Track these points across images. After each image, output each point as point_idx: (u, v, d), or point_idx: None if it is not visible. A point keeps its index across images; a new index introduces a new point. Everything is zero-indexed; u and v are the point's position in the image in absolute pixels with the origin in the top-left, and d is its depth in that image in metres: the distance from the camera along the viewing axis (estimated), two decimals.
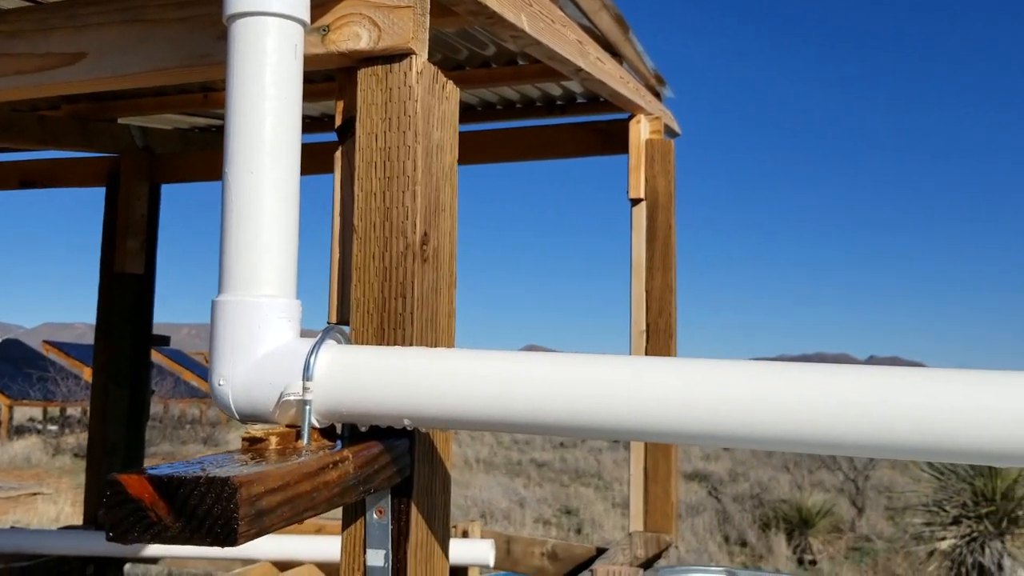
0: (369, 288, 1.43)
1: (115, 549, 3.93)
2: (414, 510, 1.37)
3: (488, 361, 1.18)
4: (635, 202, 3.81)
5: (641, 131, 3.79)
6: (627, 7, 3.39)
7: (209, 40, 1.55)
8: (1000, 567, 6.11)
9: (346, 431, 1.31)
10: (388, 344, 1.40)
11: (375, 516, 1.36)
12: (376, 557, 1.35)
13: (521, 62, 3.81)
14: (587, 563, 3.54)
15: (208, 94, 4.01)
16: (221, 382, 1.26)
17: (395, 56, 1.46)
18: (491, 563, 3.49)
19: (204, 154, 4.72)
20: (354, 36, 1.47)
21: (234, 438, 19.75)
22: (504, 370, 1.17)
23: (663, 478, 3.54)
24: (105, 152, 4.59)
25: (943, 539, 6.32)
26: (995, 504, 6.30)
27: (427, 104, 1.47)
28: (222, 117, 4.76)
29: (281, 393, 1.23)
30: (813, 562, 8.25)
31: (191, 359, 27.23)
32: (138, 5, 1.62)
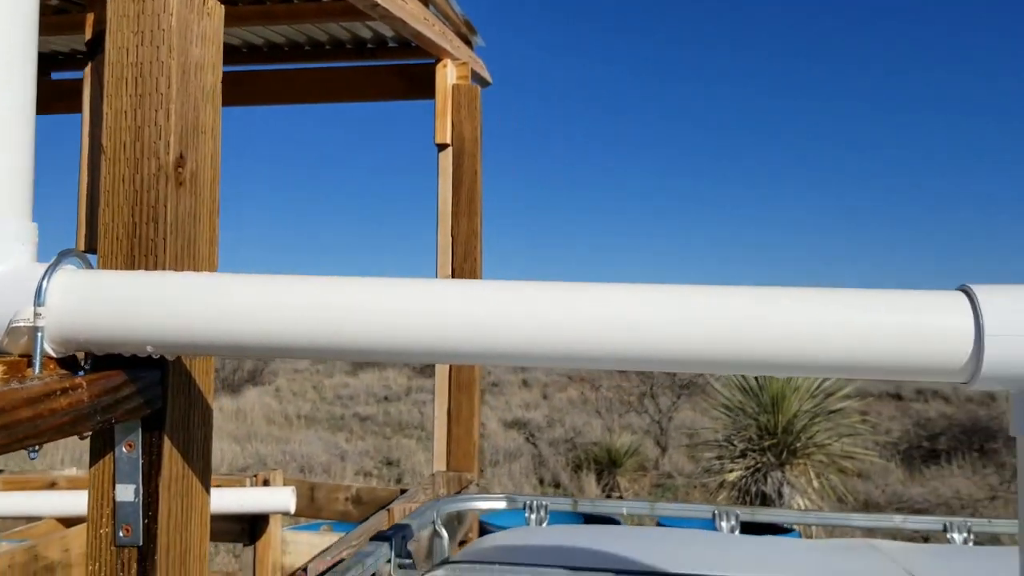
0: (119, 212, 1.35)
1: None
2: (167, 443, 1.32)
3: (232, 283, 1.15)
4: (441, 147, 3.81)
5: (448, 76, 3.78)
6: None
7: None
8: (780, 494, 6.72)
9: (89, 362, 1.24)
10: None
11: (124, 450, 1.31)
12: (126, 492, 1.30)
13: None
14: (390, 504, 3.57)
15: None
16: None
17: None
18: (291, 509, 3.46)
19: None
20: None
21: None
22: (250, 293, 1.14)
23: (465, 419, 3.61)
24: None
25: (731, 471, 6.88)
26: (777, 437, 6.91)
27: (184, 18, 1.39)
28: None
29: (10, 320, 1.15)
30: (620, 497, 8.75)
31: None
32: None
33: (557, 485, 9.54)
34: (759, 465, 6.84)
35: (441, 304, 1.15)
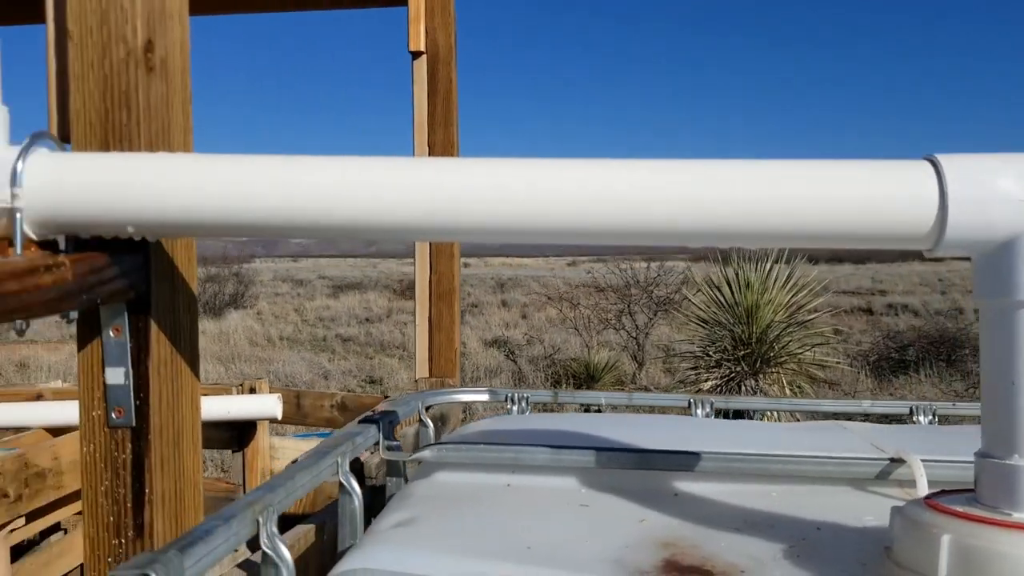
0: (90, 98, 1.34)
1: None
2: (154, 327, 1.35)
3: (211, 162, 1.16)
4: (416, 55, 3.76)
5: None
6: None
7: None
8: None
9: (71, 245, 1.24)
10: None
11: (112, 334, 1.33)
12: (116, 375, 1.33)
13: None
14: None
15: None
16: None
17: None
18: (278, 415, 3.52)
19: None
20: None
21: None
22: (230, 170, 1.15)
23: (447, 326, 3.66)
24: None
25: (707, 380, 7.04)
26: (751, 347, 7.05)
27: None
28: None
29: None
30: (598, 410, 8.98)
31: None
32: None
33: None
34: (733, 374, 6.99)
35: (421, 177, 1.16)
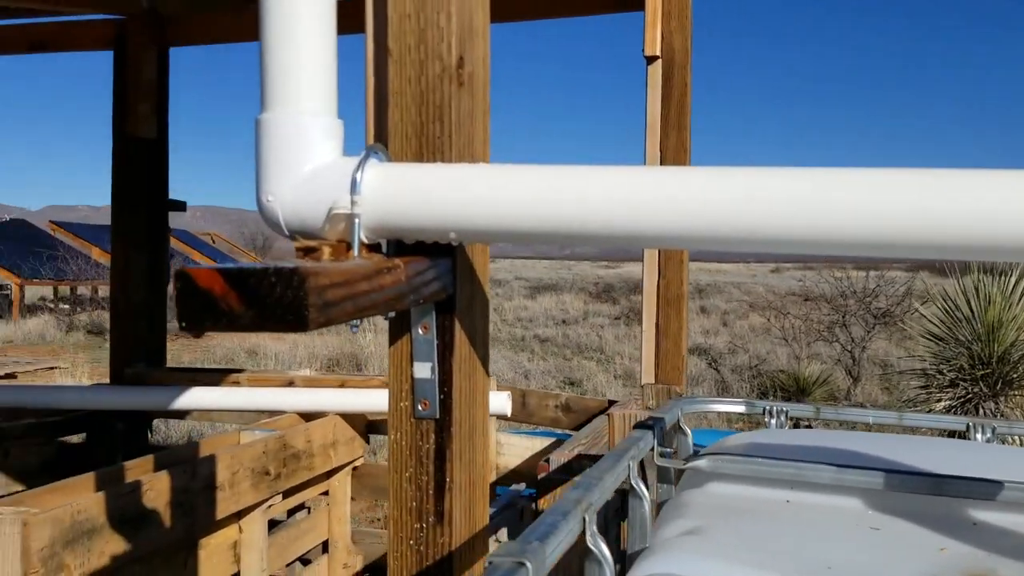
0: (406, 112, 1.44)
1: (142, 403, 4.08)
2: (457, 326, 1.43)
3: (535, 173, 1.22)
4: (650, 60, 3.76)
5: None
6: None
7: None
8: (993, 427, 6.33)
9: (392, 248, 1.35)
10: None
11: (420, 332, 1.43)
12: (423, 369, 1.42)
13: None
14: (600, 413, 3.68)
15: None
16: (269, 198, 1.30)
17: None
18: (508, 412, 3.63)
19: (212, 16, 4.63)
20: None
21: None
22: (551, 181, 1.20)
23: (674, 333, 3.63)
24: (112, 13, 4.50)
25: (939, 401, 6.54)
26: (991, 367, 6.48)
27: None
28: None
29: (330, 208, 1.27)
30: (809, 426, 8.56)
31: (199, 239, 27.34)
32: None
33: None
34: (970, 396, 6.45)
35: (696, 187, 1.16)
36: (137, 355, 4.46)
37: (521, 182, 1.21)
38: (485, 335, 1.54)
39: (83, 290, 22.05)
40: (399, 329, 1.44)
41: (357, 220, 1.26)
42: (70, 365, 13.76)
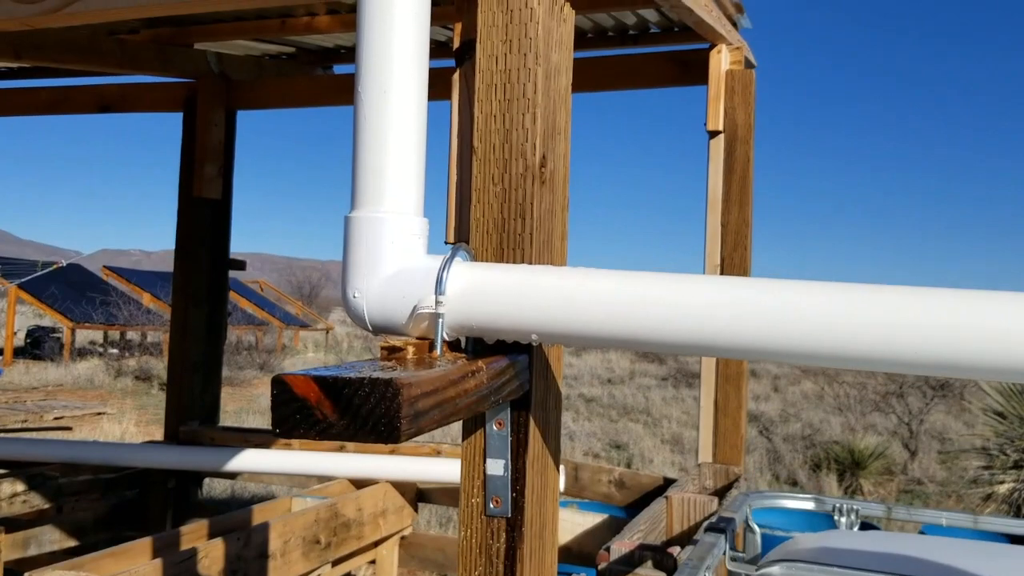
0: (489, 209, 1.45)
1: (195, 463, 4.12)
2: (531, 423, 1.42)
3: (619, 280, 1.21)
4: (713, 134, 3.77)
5: (722, 61, 3.73)
6: None
7: None
8: None
9: (471, 345, 1.35)
10: (507, 263, 1.44)
11: (495, 428, 1.42)
12: (496, 466, 1.41)
13: None
14: (655, 492, 3.61)
15: (286, 20, 4.02)
16: (356, 295, 1.31)
17: None
18: (561, 487, 3.58)
19: (279, 81, 4.77)
20: None
21: (289, 365, 20.23)
22: (634, 288, 1.20)
23: (733, 411, 3.57)
24: (182, 77, 4.66)
25: (1002, 482, 6.30)
26: None
27: (547, 26, 1.48)
28: (295, 45, 4.79)
29: (415, 306, 1.28)
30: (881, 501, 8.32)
31: (248, 288, 27.81)
32: None
33: (794, 483, 9.20)
34: None
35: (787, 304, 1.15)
36: (192, 412, 4.51)
37: (603, 289, 1.21)
38: (558, 430, 1.53)
39: (132, 335, 22.48)
40: (473, 424, 1.43)
41: (441, 320, 1.27)
42: (117, 411, 13.96)
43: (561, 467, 3.68)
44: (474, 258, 1.42)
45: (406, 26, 1.33)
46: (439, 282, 1.27)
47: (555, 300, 1.23)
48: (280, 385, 1.02)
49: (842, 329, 1.13)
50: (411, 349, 1.24)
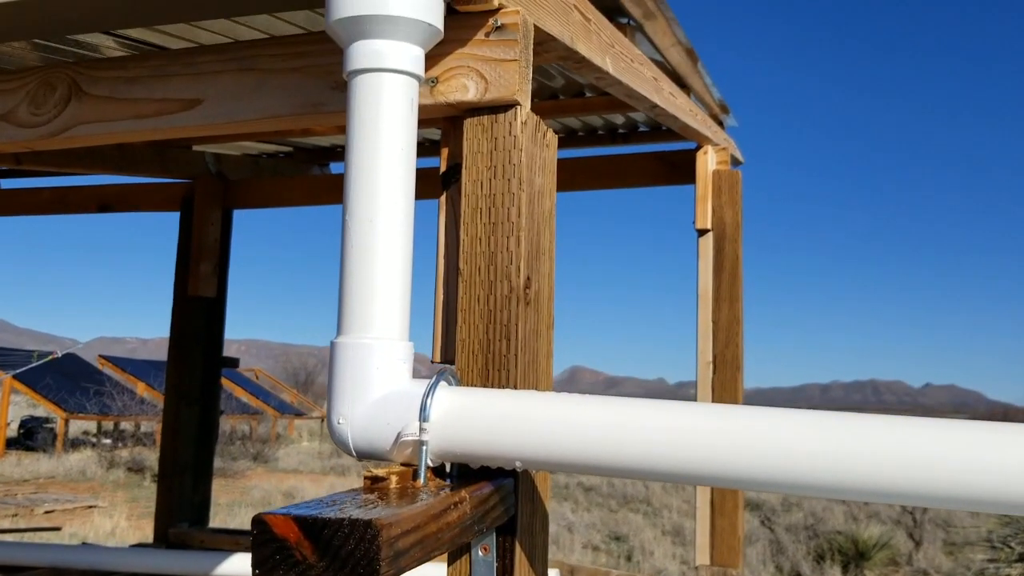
0: (474, 329, 1.47)
1: (185, 568, 4.03)
2: (518, 548, 1.41)
3: (603, 409, 1.22)
4: (701, 232, 3.83)
5: (708, 162, 3.81)
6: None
7: (323, 90, 1.62)
8: None
9: (455, 470, 1.35)
10: (492, 384, 1.45)
11: (480, 554, 1.40)
12: None
13: (588, 94, 3.87)
14: None
15: None
16: (340, 421, 1.32)
17: (500, 107, 1.51)
18: None
19: (275, 181, 4.86)
20: (462, 88, 1.53)
21: (283, 455, 19.98)
22: (618, 418, 1.21)
23: (730, 511, 3.53)
24: (180, 178, 4.75)
25: (1008, 575, 6.17)
26: None
27: (531, 152, 1.52)
28: (292, 144, 4.89)
29: (399, 433, 1.28)
30: None
31: (242, 376, 27.65)
32: (252, 55, 1.70)
33: (798, 575, 9.01)
34: None
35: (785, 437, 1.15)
36: (182, 513, 4.44)
37: (588, 417, 1.22)
38: (545, 553, 1.51)
39: (126, 425, 22.26)
40: (458, 550, 1.42)
41: (424, 448, 1.27)
42: (108, 504, 13.72)
43: (557, 572, 3.62)
44: (459, 381, 1.43)
45: (392, 158, 1.38)
46: (423, 408, 1.28)
47: (539, 428, 1.24)
48: (260, 525, 1.01)
49: (833, 462, 1.14)
50: (394, 479, 1.24)
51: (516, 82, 1.49)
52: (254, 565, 1.01)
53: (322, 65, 1.63)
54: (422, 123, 1.46)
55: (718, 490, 3.54)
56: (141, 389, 22.95)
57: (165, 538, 4.33)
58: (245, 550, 3.89)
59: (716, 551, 3.46)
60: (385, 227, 1.35)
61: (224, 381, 25.43)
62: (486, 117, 1.52)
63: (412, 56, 1.38)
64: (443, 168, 1.62)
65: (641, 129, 4.36)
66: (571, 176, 4.34)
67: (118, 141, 1.83)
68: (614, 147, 4.47)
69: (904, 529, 10.19)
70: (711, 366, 3.65)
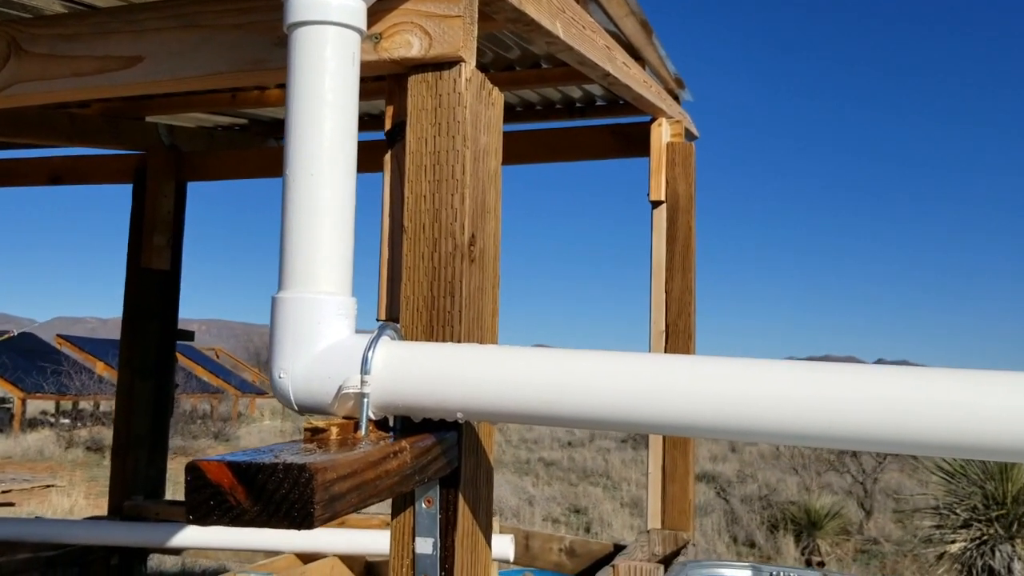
0: (419, 287, 1.48)
1: (139, 539, 4.01)
2: (461, 500, 1.43)
3: (540, 358, 1.24)
4: (656, 204, 3.86)
5: (662, 134, 3.84)
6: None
7: (265, 46, 1.61)
8: (1010, 570, 6.13)
9: (398, 423, 1.36)
10: (436, 340, 1.46)
11: (424, 506, 1.42)
12: (425, 545, 1.41)
13: (545, 65, 3.86)
14: (605, 559, 3.59)
15: (236, 94, 4.07)
16: (281, 375, 1.32)
17: (445, 63, 1.51)
18: (511, 557, 3.54)
19: (230, 153, 4.79)
20: (406, 44, 1.52)
21: (244, 433, 19.84)
22: (557, 366, 1.22)
23: (681, 477, 3.59)
24: (133, 149, 4.66)
25: (953, 542, 6.36)
26: (1006, 508, 6.33)
27: (475, 110, 1.53)
28: (247, 116, 4.83)
29: (340, 386, 1.29)
30: (821, 563, 8.30)
31: (203, 355, 27.37)
32: (195, 11, 1.68)
33: (752, 544, 9.18)
34: (985, 537, 6.28)
35: (711, 381, 1.18)
36: (137, 487, 4.41)
37: (528, 366, 1.23)
38: (489, 506, 1.53)
39: (84, 404, 21.94)
40: (402, 502, 1.44)
41: (366, 400, 1.28)
42: (67, 483, 13.54)
43: (511, 537, 3.65)
44: (402, 336, 1.44)
45: (335, 111, 1.37)
46: (364, 361, 1.29)
47: (480, 378, 1.25)
48: (194, 471, 1.02)
49: (764, 406, 1.16)
50: (335, 430, 1.24)
51: (460, 38, 1.49)
52: (188, 511, 1.02)
53: (265, 21, 1.62)
54: (365, 94, 1.46)
55: (670, 456, 3.60)
56: (100, 368, 22.60)
57: (120, 511, 4.29)
58: None
59: (667, 515, 3.52)
60: (328, 181, 1.35)
61: (185, 360, 25.16)
62: (431, 74, 1.52)
63: (353, 9, 1.38)
64: (388, 126, 1.62)
65: (598, 103, 4.37)
66: (529, 148, 4.34)
67: (59, 100, 1.80)
68: (571, 120, 4.48)
69: (855, 499, 10.44)
70: (664, 336, 3.70)
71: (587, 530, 10.33)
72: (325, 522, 1.00)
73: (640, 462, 15.85)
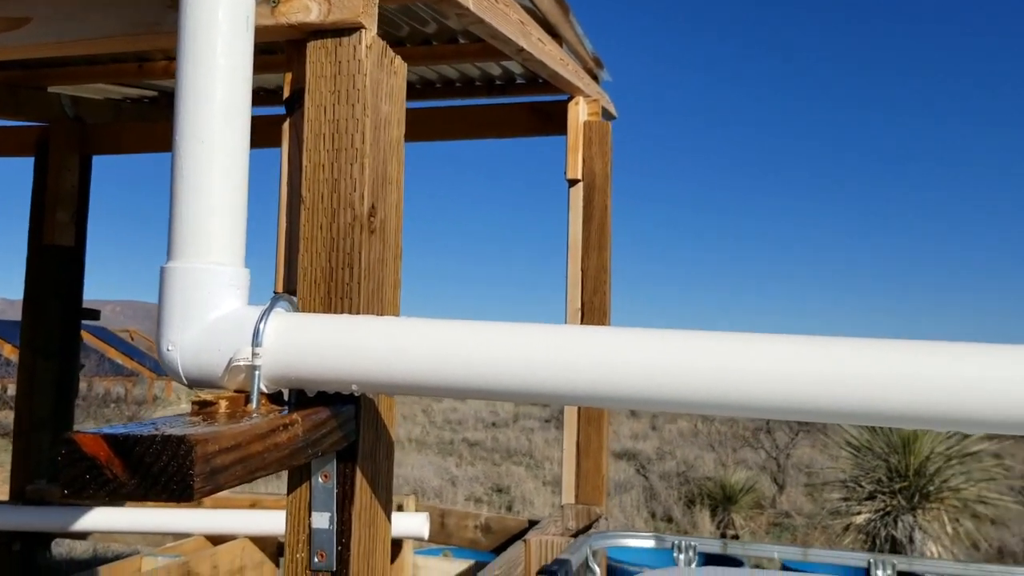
0: (316, 258, 1.46)
1: (42, 524, 3.87)
2: (359, 474, 1.41)
3: (435, 329, 1.23)
4: (572, 183, 3.87)
5: (580, 113, 3.85)
6: None
7: (159, 8, 1.55)
8: (911, 540, 6.43)
9: (293, 396, 1.34)
10: (335, 313, 1.44)
11: (320, 480, 1.40)
12: (321, 520, 1.39)
13: (462, 40, 3.83)
14: (520, 534, 3.62)
15: (143, 64, 3.92)
16: (170, 347, 1.28)
17: (345, 30, 1.48)
18: (426, 535, 3.54)
19: (137, 126, 4.63)
20: (304, 8, 1.49)
21: (160, 416, 19.33)
22: (451, 337, 1.22)
23: (594, 452, 3.63)
24: (34, 121, 4.46)
25: (859, 513, 6.63)
26: (908, 480, 6.62)
27: (376, 78, 1.50)
28: (155, 88, 4.66)
29: (230, 359, 1.26)
30: (736, 536, 8.56)
31: (116, 336, 26.51)
32: None
33: (669, 519, 9.40)
34: (889, 508, 6.57)
35: (615, 352, 1.19)
36: (40, 470, 4.25)
37: (424, 337, 1.22)
38: (389, 481, 1.52)
39: None
40: (299, 477, 1.41)
41: (257, 372, 1.25)
42: None
43: (426, 515, 3.65)
44: (298, 308, 1.42)
45: (228, 74, 1.33)
46: (256, 333, 1.26)
47: (371, 349, 1.24)
48: (68, 444, 0.98)
49: (654, 373, 1.18)
50: (224, 403, 1.21)
51: (360, 4, 1.46)
52: (63, 485, 0.98)
53: None
54: (264, 67, 1.41)
55: (584, 433, 3.64)
56: (8, 351, 21.69)
57: (22, 495, 4.13)
58: (107, 504, 3.75)
59: (581, 491, 3.57)
60: (220, 147, 1.31)
61: (97, 342, 24.34)
62: (330, 40, 1.49)
63: None
64: (287, 93, 1.58)
65: (518, 81, 4.36)
66: (448, 125, 4.31)
67: None
68: (491, 98, 4.45)
69: (769, 474, 10.78)
70: (579, 313, 3.73)
71: (509, 508, 10.42)
72: (207, 494, 0.98)
73: (563, 441, 16.04)
